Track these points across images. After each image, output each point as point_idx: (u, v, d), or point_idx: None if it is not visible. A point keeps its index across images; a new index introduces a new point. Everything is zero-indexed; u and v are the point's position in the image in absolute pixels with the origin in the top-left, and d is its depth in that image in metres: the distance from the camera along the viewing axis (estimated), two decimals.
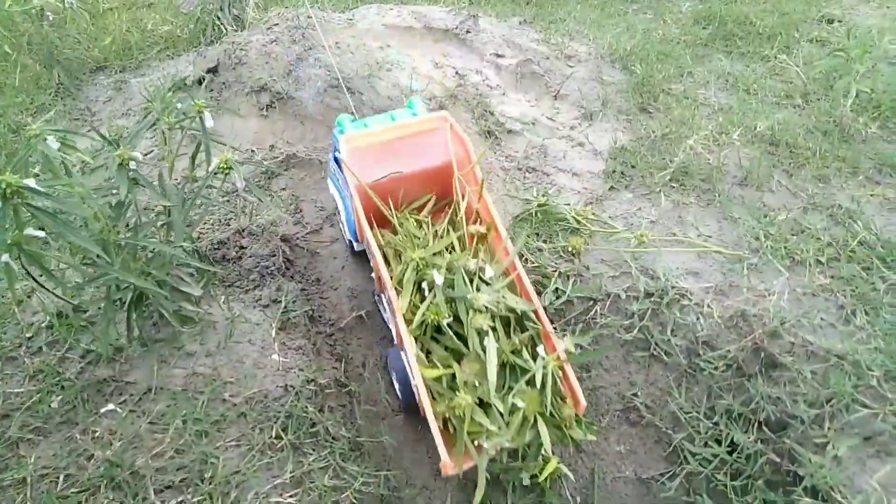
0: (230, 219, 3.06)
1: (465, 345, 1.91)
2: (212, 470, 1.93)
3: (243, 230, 2.93)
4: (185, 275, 2.44)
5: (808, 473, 1.83)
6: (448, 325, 1.94)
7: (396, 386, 2.30)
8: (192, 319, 2.50)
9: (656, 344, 2.51)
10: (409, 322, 1.95)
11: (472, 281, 2.04)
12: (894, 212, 3.01)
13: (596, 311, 2.62)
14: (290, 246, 2.98)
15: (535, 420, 1.81)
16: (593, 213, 3.16)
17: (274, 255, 2.83)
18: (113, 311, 2.27)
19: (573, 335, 2.41)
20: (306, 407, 2.21)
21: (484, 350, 1.85)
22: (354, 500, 1.95)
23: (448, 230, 2.32)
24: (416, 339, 1.96)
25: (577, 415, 1.90)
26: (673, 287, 2.63)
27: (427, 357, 1.95)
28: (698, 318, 2.50)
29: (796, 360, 2.26)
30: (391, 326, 2.30)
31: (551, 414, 1.88)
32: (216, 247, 2.88)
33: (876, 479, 1.70)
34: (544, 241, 2.97)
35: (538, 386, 1.87)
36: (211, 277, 2.56)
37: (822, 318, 2.44)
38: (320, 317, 2.75)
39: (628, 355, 2.55)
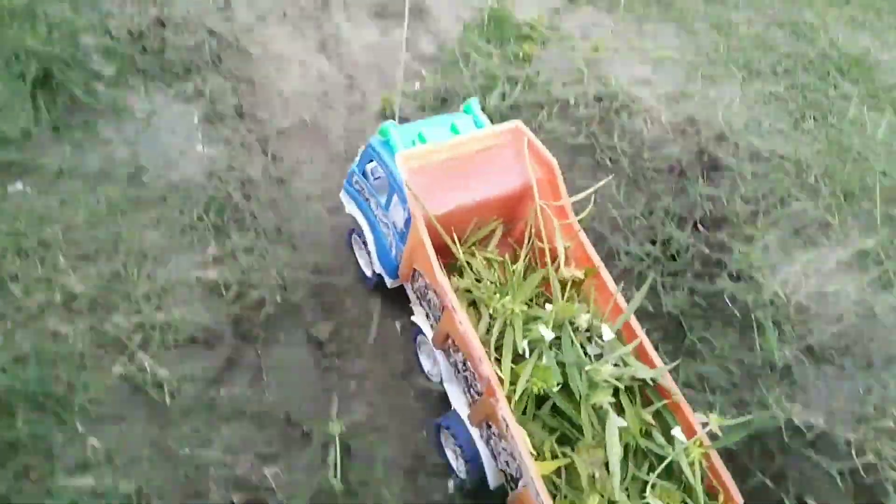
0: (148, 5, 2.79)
1: (572, 423, 1.42)
2: (127, 244, 1.86)
3: (164, 21, 2.68)
4: (95, 52, 2.25)
5: (734, 260, 1.85)
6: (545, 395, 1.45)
7: (455, 461, 1.70)
8: (107, 106, 2.33)
9: (602, 150, 2.45)
10: (505, 389, 1.42)
11: (581, 342, 1.52)
12: (858, 29, 2.91)
13: (543, 115, 2.53)
14: (217, 40, 2.75)
15: None
16: (549, 24, 3.00)
17: (200, 49, 2.62)
18: (16, 85, 2.09)
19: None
20: (231, 194, 2.12)
21: (603, 431, 1.37)
22: (280, 280, 1.91)
23: (530, 269, 1.75)
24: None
25: None
26: (624, 93, 2.54)
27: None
28: (646, 124, 2.43)
29: (739, 161, 2.23)
30: (454, 392, 1.69)
31: None
32: (135, 38, 2.63)
33: (798, 264, 1.73)
34: (495, 48, 2.82)
35: (680, 480, 1.39)
36: (127, 62, 2.36)
37: (770, 124, 2.40)
38: (253, 115, 2.60)
39: (573, 162, 2.50)
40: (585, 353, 1.46)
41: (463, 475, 1.63)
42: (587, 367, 1.38)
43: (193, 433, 1.34)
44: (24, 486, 1.04)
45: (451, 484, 1.64)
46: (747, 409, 1.45)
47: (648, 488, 1.33)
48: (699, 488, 1.33)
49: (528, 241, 1.76)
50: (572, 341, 1.46)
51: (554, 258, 1.70)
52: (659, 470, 1.37)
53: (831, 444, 1.32)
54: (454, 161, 1.71)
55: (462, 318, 1.46)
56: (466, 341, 1.45)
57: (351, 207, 2.01)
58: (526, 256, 1.74)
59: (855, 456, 1.25)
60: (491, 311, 1.53)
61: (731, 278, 1.88)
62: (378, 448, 1.60)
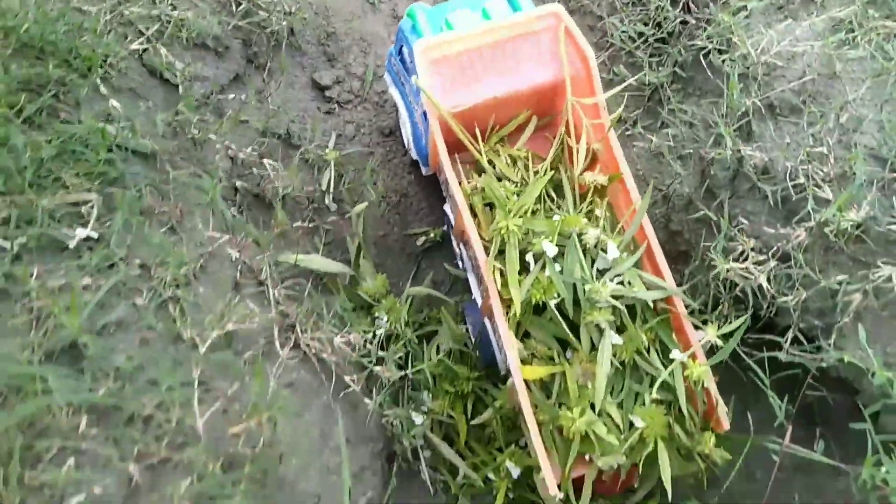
0: None
1: (576, 334, 1.32)
2: None
3: None
4: None
5: (717, 32, 1.89)
6: (556, 305, 1.33)
7: (472, 335, 1.65)
8: None
9: None
10: (505, 300, 1.34)
11: (592, 256, 1.37)
12: None
13: None
14: None
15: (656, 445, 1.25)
16: None
17: None
18: None
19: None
20: None
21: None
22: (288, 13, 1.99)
23: (552, 173, 1.51)
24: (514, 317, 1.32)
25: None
26: None
27: (524, 340, 1.36)
28: None
29: None
30: (473, 283, 1.62)
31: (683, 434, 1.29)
32: None
33: (775, 31, 1.77)
34: None
35: (668, 397, 1.28)
36: None
37: None
38: None
39: None
40: (594, 268, 1.33)
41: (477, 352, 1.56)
42: (587, 286, 1.27)
43: (202, 121, 1.51)
44: (53, 121, 1.22)
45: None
46: (706, 154, 1.57)
47: (635, 406, 1.25)
48: (684, 404, 1.24)
49: (559, 140, 1.54)
50: (580, 260, 1.31)
51: (588, 159, 1.50)
52: (648, 392, 1.27)
53: (772, 173, 1.44)
54: (481, 51, 1.49)
55: (466, 218, 1.36)
56: (471, 243, 1.36)
57: (392, 89, 1.79)
58: (555, 156, 1.53)
59: (788, 179, 1.37)
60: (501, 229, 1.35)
61: (710, 40, 1.94)
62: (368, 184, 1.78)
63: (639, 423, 1.24)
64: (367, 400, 1.34)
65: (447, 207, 1.67)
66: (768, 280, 1.34)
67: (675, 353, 1.29)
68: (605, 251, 1.34)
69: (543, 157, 1.55)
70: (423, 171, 1.78)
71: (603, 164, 1.50)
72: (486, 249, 1.37)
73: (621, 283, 1.32)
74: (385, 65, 1.82)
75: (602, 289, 1.26)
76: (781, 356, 1.29)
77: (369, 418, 1.34)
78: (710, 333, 1.27)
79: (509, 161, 1.54)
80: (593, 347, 1.29)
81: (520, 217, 1.36)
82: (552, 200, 1.48)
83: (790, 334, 1.33)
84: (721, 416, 1.29)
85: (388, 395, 1.42)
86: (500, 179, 1.49)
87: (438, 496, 1.50)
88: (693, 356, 1.28)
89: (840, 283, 1.27)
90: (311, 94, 1.84)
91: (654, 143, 1.79)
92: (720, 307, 1.45)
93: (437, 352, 1.55)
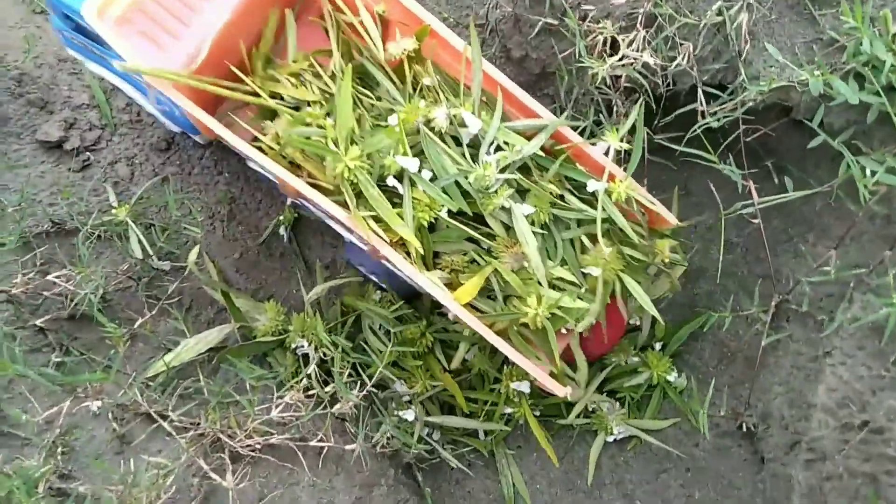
0: None
1: (483, 223, 1.11)
2: None
3: None
4: None
5: None
6: (449, 213, 1.10)
7: (375, 278, 1.32)
8: None
9: None
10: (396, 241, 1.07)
11: (447, 142, 1.11)
12: None
13: None
14: None
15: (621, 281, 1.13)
16: None
17: None
18: None
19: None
20: None
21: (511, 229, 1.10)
22: None
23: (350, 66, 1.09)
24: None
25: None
26: None
27: (437, 262, 1.13)
28: None
29: None
30: (338, 228, 1.23)
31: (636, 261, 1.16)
32: None
33: None
34: None
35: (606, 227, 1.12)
36: None
37: None
38: None
39: None
40: (464, 149, 1.10)
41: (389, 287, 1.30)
42: (470, 177, 1.06)
43: None
44: None
45: None
46: None
47: (580, 255, 1.12)
48: (627, 227, 1.10)
49: (335, 26, 1.15)
50: (438, 151, 1.08)
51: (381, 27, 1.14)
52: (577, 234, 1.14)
53: None
54: None
55: (294, 181, 1.03)
56: (317, 203, 1.04)
57: (91, 66, 1.27)
58: (341, 44, 1.15)
59: None
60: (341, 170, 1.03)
61: None
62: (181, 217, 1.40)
63: (594, 272, 1.12)
64: (348, 447, 1.10)
65: (254, 165, 1.24)
66: (650, 53, 1.14)
67: (591, 184, 1.13)
68: (463, 125, 1.11)
69: (327, 51, 1.17)
70: (198, 139, 1.37)
71: (400, 24, 1.17)
72: (331, 196, 1.07)
73: (499, 148, 1.12)
74: (63, 42, 1.25)
75: (486, 171, 1.06)
76: (710, 123, 1.12)
77: (362, 461, 1.11)
78: (612, 140, 1.12)
79: (294, 81, 1.15)
80: (507, 228, 1.12)
81: (353, 144, 1.05)
82: (372, 97, 1.16)
83: (699, 93, 1.16)
84: (664, 214, 1.18)
85: (364, 420, 1.19)
86: (297, 108, 1.13)
87: (476, 468, 1.33)
88: (610, 176, 1.12)
89: (720, 12, 1.09)
90: (50, 162, 1.41)
91: None
92: (615, 111, 1.26)
93: (375, 336, 1.30)
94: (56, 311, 1.16)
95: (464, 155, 1.10)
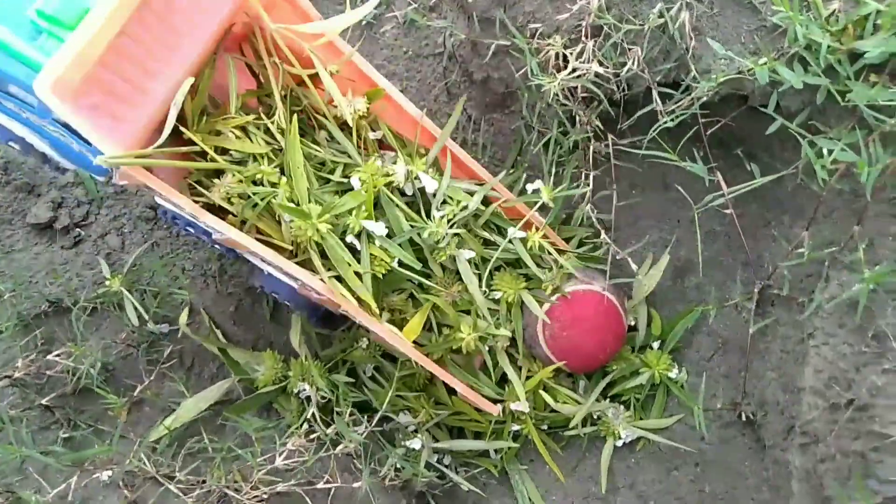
0: None
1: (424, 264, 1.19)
2: None
3: None
4: None
5: None
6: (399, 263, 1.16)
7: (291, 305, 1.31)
8: None
9: None
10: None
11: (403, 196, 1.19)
12: None
13: None
14: None
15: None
16: None
17: None
18: None
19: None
20: None
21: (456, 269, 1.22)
22: None
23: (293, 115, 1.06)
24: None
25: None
26: None
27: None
28: None
29: None
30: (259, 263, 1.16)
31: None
32: None
33: None
34: None
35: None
36: None
37: None
38: None
39: None
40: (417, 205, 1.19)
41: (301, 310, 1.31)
42: (425, 232, 1.14)
43: None
44: None
45: None
46: None
47: (486, 277, 1.21)
48: (532, 265, 1.24)
49: (275, 71, 1.07)
50: (395, 211, 1.14)
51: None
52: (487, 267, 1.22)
53: None
54: (140, 21, 0.84)
55: (251, 244, 0.98)
56: (278, 264, 1.01)
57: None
58: (283, 92, 1.09)
59: None
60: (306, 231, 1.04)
61: None
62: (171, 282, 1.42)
63: (497, 295, 1.27)
64: (356, 484, 1.12)
65: (173, 210, 1.08)
66: (599, 62, 1.17)
67: (511, 232, 1.24)
68: (417, 181, 1.20)
69: (254, 93, 1.12)
70: (108, 180, 1.28)
71: (354, 87, 1.15)
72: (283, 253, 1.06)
73: (444, 202, 1.21)
74: None
75: (438, 227, 1.16)
76: (667, 123, 1.14)
77: (371, 497, 1.13)
78: (545, 196, 1.26)
79: (239, 133, 1.06)
80: (443, 267, 1.24)
81: (316, 203, 1.06)
82: (316, 149, 1.14)
83: (654, 93, 1.18)
84: (558, 242, 1.35)
85: (369, 455, 1.21)
86: (240, 162, 1.06)
87: (490, 487, 1.34)
88: (527, 225, 1.26)
89: (661, 14, 1.12)
90: (42, 243, 1.46)
91: (399, 16, 1.54)
92: (577, 120, 1.29)
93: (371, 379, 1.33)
94: (61, 388, 1.20)
95: (418, 211, 1.20)
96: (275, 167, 1.06)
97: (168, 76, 0.92)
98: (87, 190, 1.48)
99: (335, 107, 1.13)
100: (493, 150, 1.58)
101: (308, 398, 1.27)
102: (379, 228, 1.10)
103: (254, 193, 1.04)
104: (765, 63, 1.03)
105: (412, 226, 1.16)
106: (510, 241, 1.24)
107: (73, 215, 1.50)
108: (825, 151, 0.99)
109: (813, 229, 1.08)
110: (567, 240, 1.41)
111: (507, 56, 1.40)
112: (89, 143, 0.85)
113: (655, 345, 1.38)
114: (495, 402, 1.30)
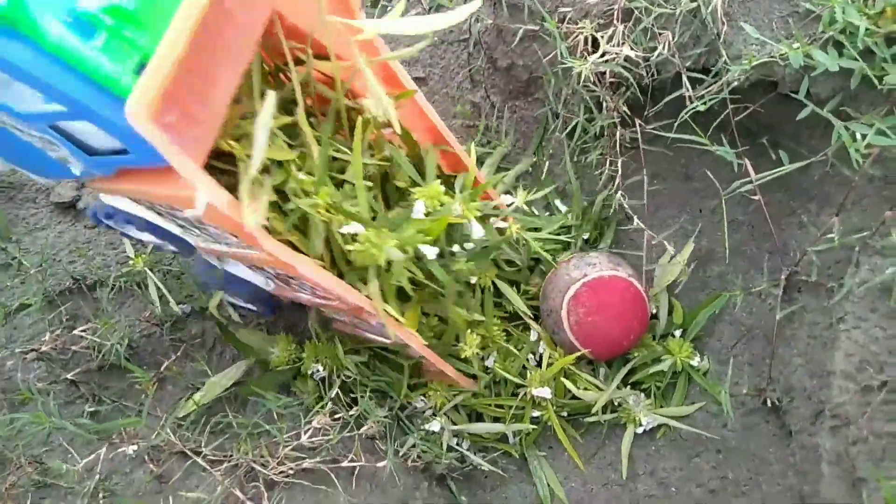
0: None
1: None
2: None
3: None
4: None
5: None
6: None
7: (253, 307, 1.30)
8: None
9: None
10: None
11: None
12: None
13: None
14: None
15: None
16: None
17: None
18: None
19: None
20: None
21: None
22: None
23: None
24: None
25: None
26: None
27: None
28: None
29: None
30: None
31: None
32: None
33: None
34: None
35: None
36: None
37: None
38: None
39: None
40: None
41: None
42: (452, 264, 1.12)
43: None
44: None
45: None
46: None
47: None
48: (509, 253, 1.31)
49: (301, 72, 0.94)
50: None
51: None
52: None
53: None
54: (205, 30, 0.69)
55: (299, 263, 0.86)
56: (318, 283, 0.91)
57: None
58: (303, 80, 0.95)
59: None
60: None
61: None
62: None
63: (473, 279, 1.25)
64: (379, 464, 1.12)
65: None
66: (630, 46, 1.16)
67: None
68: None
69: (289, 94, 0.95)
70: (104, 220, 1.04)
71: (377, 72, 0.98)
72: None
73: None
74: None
75: (465, 267, 1.15)
76: (697, 107, 1.13)
77: (395, 477, 1.13)
78: (519, 199, 1.32)
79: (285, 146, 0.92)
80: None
81: (380, 226, 0.96)
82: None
83: (684, 77, 1.18)
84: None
85: (392, 436, 1.21)
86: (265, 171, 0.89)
87: (510, 472, 1.34)
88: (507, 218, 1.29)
89: None
90: (66, 222, 1.46)
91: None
92: (604, 106, 1.28)
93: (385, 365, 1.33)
94: (86, 363, 1.20)
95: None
96: (307, 174, 0.92)
97: (226, 84, 0.79)
98: None
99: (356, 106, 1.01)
100: (516, 137, 1.58)
101: (323, 380, 1.27)
102: (432, 252, 1.02)
103: (291, 209, 0.91)
104: (798, 47, 1.02)
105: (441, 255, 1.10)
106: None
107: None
108: (858, 136, 0.99)
109: (843, 215, 1.08)
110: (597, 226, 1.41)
111: (534, 42, 1.40)
112: (88, 154, 0.79)
113: (677, 333, 1.37)
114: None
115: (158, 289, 1.33)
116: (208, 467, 1.01)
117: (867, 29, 0.93)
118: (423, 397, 1.31)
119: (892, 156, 0.98)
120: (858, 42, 0.94)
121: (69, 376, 1.17)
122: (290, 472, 1.04)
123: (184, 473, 1.04)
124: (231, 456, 1.03)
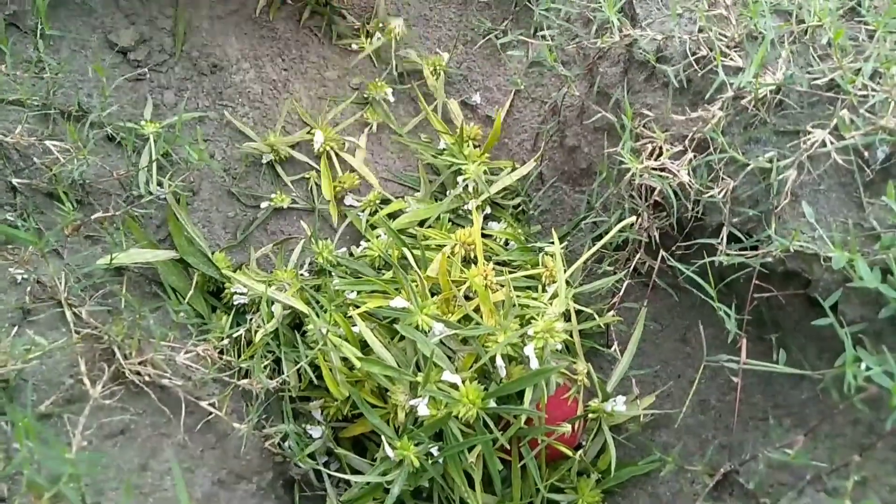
0: None
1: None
2: None
3: None
4: None
5: None
6: None
7: None
8: None
9: None
10: None
11: None
12: None
13: None
14: None
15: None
16: None
17: None
18: None
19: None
20: None
21: None
22: None
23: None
24: None
25: None
26: None
27: None
28: None
29: None
30: None
31: None
32: None
33: None
34: None
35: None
36: None
37: None
38: None
39: None
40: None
41: None
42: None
43: None
44: None
45: None
46: (590, 46, 1.32)
47: None
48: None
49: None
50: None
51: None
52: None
53: (668, 52, 1.23)
54: None
55: None
56: None
57: None
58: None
59: (689, 54, 1.16)
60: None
61: None
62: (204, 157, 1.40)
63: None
64: (236, 425, 1.03)
65: None
66: (689, 173, 1.12)
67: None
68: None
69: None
70: None
71: None
72: None
73: None
74: None
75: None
76: (722, 260, 1.07)
77: (244, 447, 1.03)
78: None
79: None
80: None
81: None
82: None
83: (724, 232, 1.12)
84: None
85: (268, 412, 1.11)
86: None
87: None
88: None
89: (770, 161, 1.07)
90: (109, 60, 1.46)
91: (532, 48, 1.54)
92: (639, 219, 1.23)
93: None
94: (37, 178, 1.15)
95: None
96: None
97: None
98: (175, 44, 1.48)
99: None
100: (545, 216, 1.54)
101: (242, 311, 1.19)
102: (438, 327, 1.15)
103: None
104: (847, 252, 0.96)
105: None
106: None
107: (150, 55, 1.50)
108: (863, 365, 0.90)
109: (810, 440, 0.98)
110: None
111: (606, 134, 1.37)
112: None
113: (594, 476, 1.26)
114: None
115: (151, 161, 1.29)
116: (72, 325, 0.94)
117: None
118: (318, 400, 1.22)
119: (884, 404, 0.89)
120: None
121: (14, 181, 1.13)
122: (147, 378, 0.96)
123: (48, 319, 0.96)
124: (99, 329, 0.95)
